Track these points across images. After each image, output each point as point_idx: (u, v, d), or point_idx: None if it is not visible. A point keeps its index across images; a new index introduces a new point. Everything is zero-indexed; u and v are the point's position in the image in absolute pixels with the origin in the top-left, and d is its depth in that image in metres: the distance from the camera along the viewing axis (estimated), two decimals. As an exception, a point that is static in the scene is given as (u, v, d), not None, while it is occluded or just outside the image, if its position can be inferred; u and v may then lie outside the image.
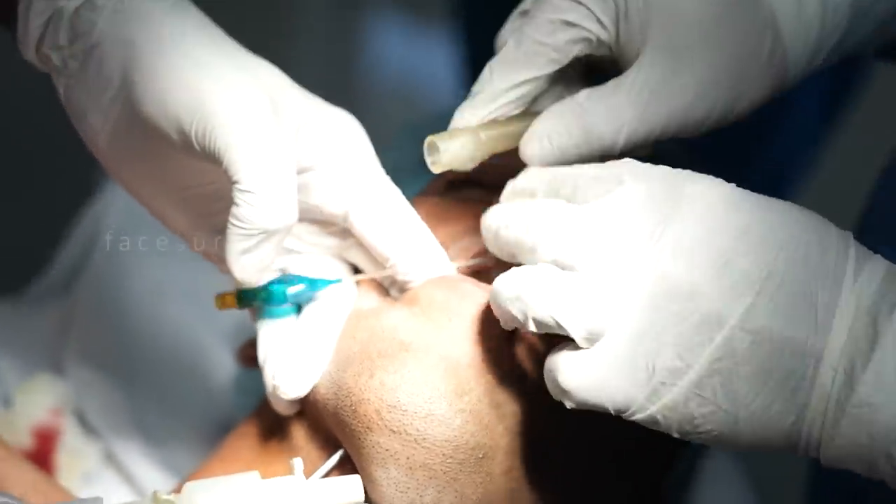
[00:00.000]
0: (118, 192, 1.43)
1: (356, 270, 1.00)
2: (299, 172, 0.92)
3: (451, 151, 0.93)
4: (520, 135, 0.94)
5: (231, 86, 0.87)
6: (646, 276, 0.81)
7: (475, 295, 0.93)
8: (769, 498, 1.34)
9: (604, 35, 0.91)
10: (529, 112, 0.95)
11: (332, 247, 0.99)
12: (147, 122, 0.88)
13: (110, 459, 1.29)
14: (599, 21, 0.90)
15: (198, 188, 0.94)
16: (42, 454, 1.28)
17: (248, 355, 1.20)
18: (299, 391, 0.93)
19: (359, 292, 0.98)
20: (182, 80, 0.87)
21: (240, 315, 1.35)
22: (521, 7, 0.95)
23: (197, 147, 0.87)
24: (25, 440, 1.29)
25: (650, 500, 1.10)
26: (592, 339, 0.80)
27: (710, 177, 0.84)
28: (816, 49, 0.94)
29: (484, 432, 0.89)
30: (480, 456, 0.89)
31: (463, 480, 0.89)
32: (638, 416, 0.81)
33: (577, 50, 0.92)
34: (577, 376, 0.80)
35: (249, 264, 0.87)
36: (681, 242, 0.81)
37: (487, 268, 0.97)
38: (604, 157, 0.91)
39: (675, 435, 0.81)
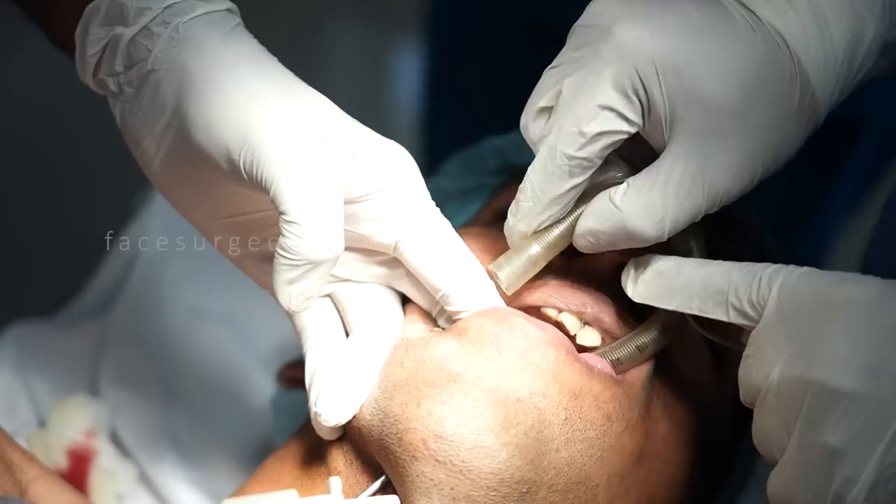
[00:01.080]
0: (156, 216, 1.44)
1: (405, 300, 1.00)
2: (349, 202, 0.92)
3: (508, 276, 0.95)
4: (569, 232, 0.95)
5: (280, 117, 0.87)
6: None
7: (524, 328, 0.93)
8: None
9: (633, 129, 0.90)
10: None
11: (381, 276, 0.99)
12: (198, 150, 0.88)
13: (144, 481, 1.29)
14: (627, 119, 0.89)
15: (247, 215, 0.94)
16: (76, 475, 1.27)
17: (289, 376, 1.20)
18: (341, 418, 0.93)
19: (406, 321, 0.98)
20: (231, 110, 0.87)
21: (277, 339, 1.36)
22: (539, 101, 0.93)
23: (245, 177, 0.87)
24: (60, 460, 1.29)
25: None
26: None
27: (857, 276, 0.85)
28: (845, 84, 0.93)
29: (529, 467, 0.89)
30: (524, 490, 0.89)
31: None
32: None
33: (609, 151, 0.92)
34: None
35: (296, 293, 0.88)
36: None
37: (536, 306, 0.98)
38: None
39: None
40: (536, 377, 0.91)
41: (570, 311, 0.98)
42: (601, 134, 0.89)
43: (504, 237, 0.98)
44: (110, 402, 1.33)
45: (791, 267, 0.87)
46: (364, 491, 0.93)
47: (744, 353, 0.88)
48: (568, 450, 0.91)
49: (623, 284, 0.95)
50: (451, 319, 0.96)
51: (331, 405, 0.92)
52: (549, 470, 0.90)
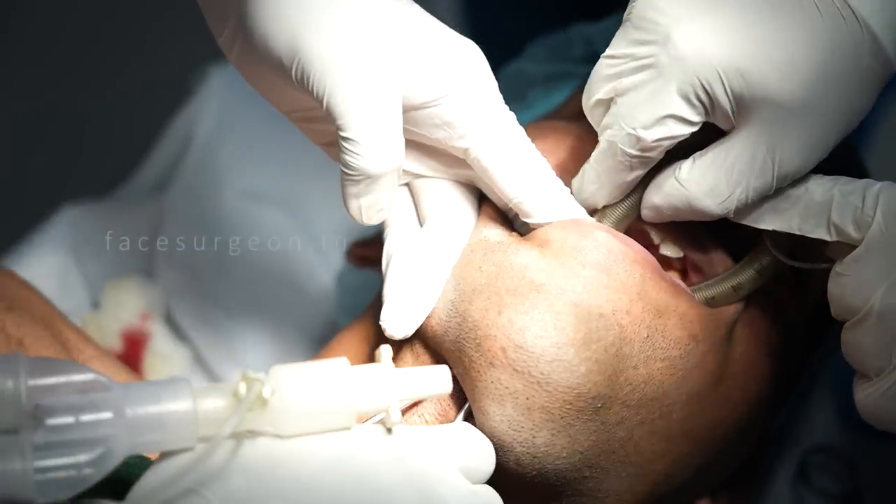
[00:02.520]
0: (213, 96, 1.41)
1: (482, 196, 0.97)
2: (416, 108, 0.89)
3: None
4: (636, 206, 0.93)
5: (331, 27, 0.85)
6: None
7: (609, 243, 0.91)
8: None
9: (695, 128, 0.88)
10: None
11: (457, 173, 0.96)
12: (260, 60, 0.87)
13: (199, 363, 1.29)
14: (689, 122, 0.87)
15: (309, 112, 0.92)
16: (131, 357, 1.27)
17: (359, 254, 1.18)
18: (406, 333, 0.91)
19: (482, 220, 0.95)
20: (282, 23, 0.85)
21: (335, 223, 1.34)
22: (596, 93, 0.90)
23: (299, 87, 0.85)
24: (114, 343, 1.28)
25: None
26: None
27: None
28: None
29: (606, 383, 0.88)
30: (599, 405, 0.88)
31: (578, 427, 0.88)
32: None
33: (670, 147, 0.89)
34: None
35: (365, 207, 0.87)
36: None
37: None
38: None
39: None
40: (621, 294, 0.89)
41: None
42: (662, 139, 0.88)
43: (588, 137, 0.94)
44: (165, 285, 1.32)
45: None
46: None
47: (837, 270, 0.86)
48: (647, 367, 0.89)
49: None
50: (529, 226, 0.93)
51: (397, 320, 0.91)
52: (625, 386, 0.89)
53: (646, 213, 0.92)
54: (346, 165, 0.85)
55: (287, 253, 1.33)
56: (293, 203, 1.37)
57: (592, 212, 0.94)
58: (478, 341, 0.88)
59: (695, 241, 0.97)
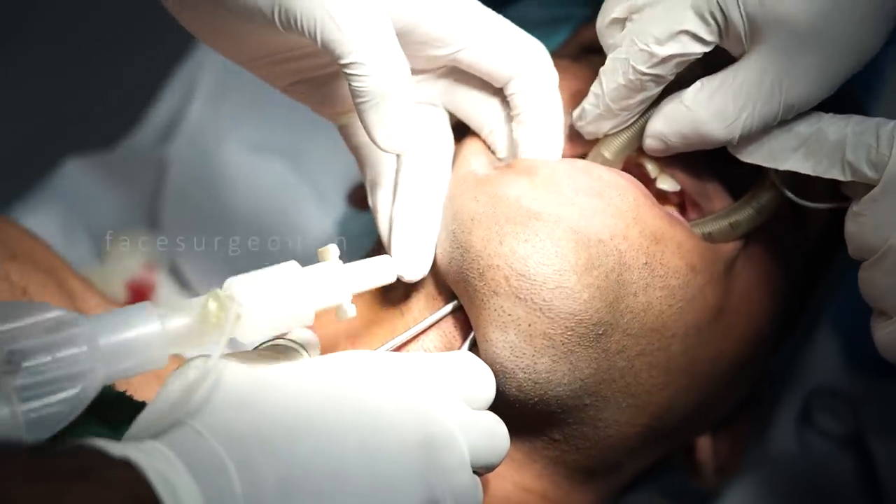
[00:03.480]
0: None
1: (459, 126, 0.97)
2: (402, 31, 0.88)
3: None
4: (637, 136, 0.92)
5: None
6: None
7: (599, 170, 0.91)
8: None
9: (708, 49, 0.87)
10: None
11: (434, 97, 0.96)
12: (234, 15, 0.85)
13: (204, 313, 1.28)
14: (702, 40, 0.86)
15: (290, 52, 0.90)
16: (134, 308, 1.27)
17: (360, 197, 1.18)
18: (421, 273, 0.91)
19: (466, 152, 0.95)
20: None
21: (338, 174, 1.34)
22: (612, 12, 0.90)
23: (285, 30, 0.84)
24: (120, 293, 1.29)
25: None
26: None
27: None
28: None
29: (607, 309, 0.88)
30: (600, 332, 0.88)
31: (579, 354, 0.88)
32: None
33: (682, 68, 0.89)
34: None
35: (392, 132, 0.85)
36: None
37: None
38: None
39: None
40: (616, 219, 0.89)
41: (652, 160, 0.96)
42: (675, 55, 0.87)
43: (586, 74, 0.95)
44: (170, 236, 1.32)
45: None
46: (434, 314, 0.92)
47: (854, 210, 0.85)
48: (646, 295, 0.89)
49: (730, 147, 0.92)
50: (514, 150, 0.93)
51: (409, 263, 0.91)
52: (626, 313, 0.89)
53: (649, 142, 0.91)
54: (357, 92, 0.83)
55: (289, 204, 1.33)
56: (295, 154, 1.37)
57: (591, 143, 0.93)
58: (481, 271, 0.88)
59: (693, 175, 0.97)
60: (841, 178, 0.85)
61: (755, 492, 1.18)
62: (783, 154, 0.89)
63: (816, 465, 1.18)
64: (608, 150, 0.93)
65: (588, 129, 0.92)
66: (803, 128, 0.87)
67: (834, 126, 0.86)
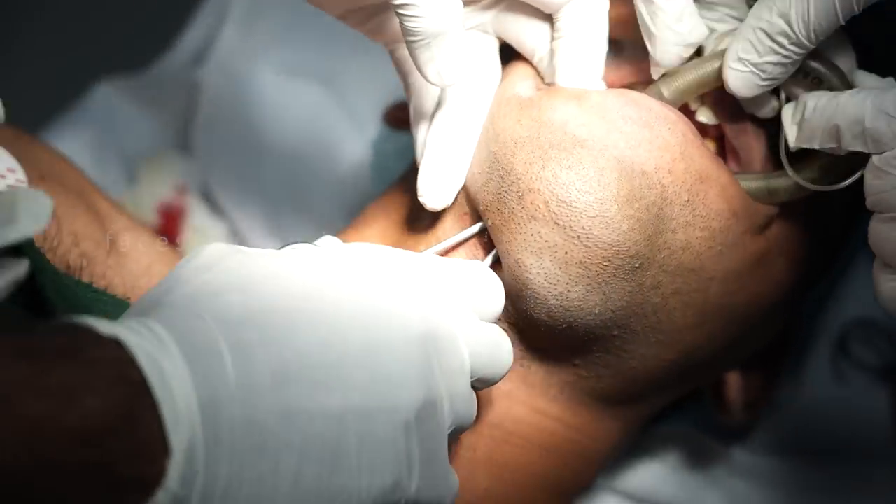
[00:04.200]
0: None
1: (505, 49, 0.95)
2: None
3: None
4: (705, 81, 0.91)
5: None
6: None
7: (649, 102, 0.90)
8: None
9: None
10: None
11: (482, 23, 0.95)
12: None
13: (236, 237, 1.29)
14: None
15: None
16: (167, 232, 1.27)
17: (396, 116, 1.17)
18: (444, 203, 0.91)
19: (513, 76, 0.94)
20: None
21: (374, 99, 1.33)
22: None
23: None
24: (151, 217, 1.28)
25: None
26: None
27: None
28: None
29: (645, 242, 0.87)
30: (636, 265, 0.87)
31: (613, 286, 0.87)
32: None
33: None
34: None
35: (443, 69, 0.85)
36: None
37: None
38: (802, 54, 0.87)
39: None
40: (664, 151, 0.88)
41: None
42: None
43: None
44: (201, 159, 1.32)
45: None
46: (459, 233, 0.92)
47: (876, 164, 0.83)
48: (685, 233, 0.88)
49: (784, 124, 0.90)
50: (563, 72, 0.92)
51: (434, 192, 0.91)
52: (663, 249, 0.88)
53: (731, 80, 0.89)
54: (409, 32, 0.83)
55: (323, 126, 1.32)
56: (330, 77, 1.35)
57: (638, 75, 0.93)
58: (520, 194, 0.87)
59: (736, 119, 0.95)
60: (863, 149, 0.84)
61: (788, 426, 1.17)
62: (812, 133, 0.87)
63: (852, 398, 1.17)
64: (668, 89, 0.91)
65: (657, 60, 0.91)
66: (825, 102, 0.86)
67: (853, 99, 0.85)
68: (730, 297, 0.92)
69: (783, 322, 1.05)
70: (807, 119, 0.87)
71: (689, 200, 0.88)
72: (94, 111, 1.36)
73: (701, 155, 0.89)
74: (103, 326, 0.64)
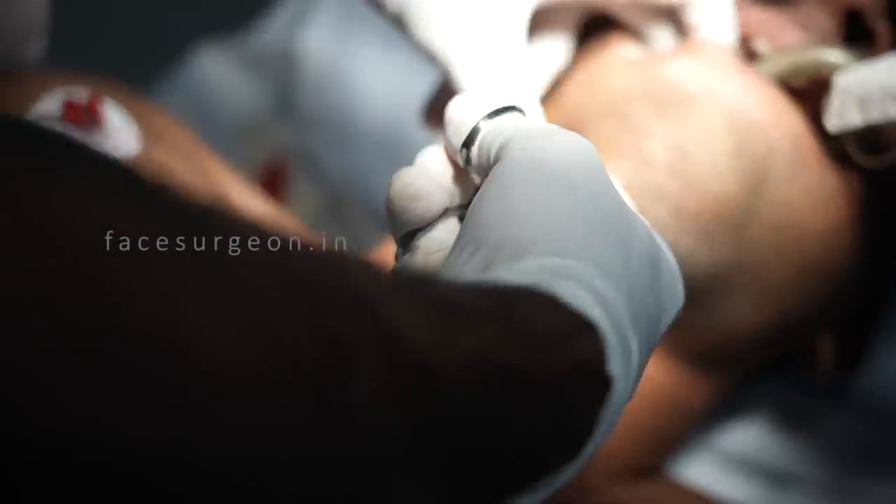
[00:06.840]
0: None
1: (605, 24, 0.95)
2: None
3: None
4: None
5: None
6: None
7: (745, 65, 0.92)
8: None
9: None
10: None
11: None
12: None
13: (336, 200, 1.29)
14: None
15: None
16: (267, 195, 1.28)
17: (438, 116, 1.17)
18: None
19: (614, 41, 0.94)
20: None
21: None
22: None
23: None
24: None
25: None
26: None
27: None
28: None
29: (753, 193, 0.88)
30: (743, 220, 0.88)
31: (719, 239, 0.88)
32: None
33: None
34: None
35: None
36: None
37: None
38: None
39: None
40: (774, 104, 0.90)
41: None
42: None
43: None
44: (301, 125, 1.33)
45: None
46: None
47: None
48: (788, 187, 0.90)
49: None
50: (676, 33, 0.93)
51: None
52: (767, 203, 0.89)
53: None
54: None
55: (422, 97, 1.33)
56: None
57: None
58: (637, 142, 0.89)
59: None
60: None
61: (883, 389, 1.17)
62: (851, 109, 0.87)
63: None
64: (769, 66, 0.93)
65: None
66: (864, 74, 0.86)
67: (879, 74, 0.85)
68: (827, 256, 0.93)
69: (879, 285, 1.06)
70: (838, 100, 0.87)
71: (791, 155, 0.90)
72: (196, 76, 1.38)
73: (797, 111, 0.91)
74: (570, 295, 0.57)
